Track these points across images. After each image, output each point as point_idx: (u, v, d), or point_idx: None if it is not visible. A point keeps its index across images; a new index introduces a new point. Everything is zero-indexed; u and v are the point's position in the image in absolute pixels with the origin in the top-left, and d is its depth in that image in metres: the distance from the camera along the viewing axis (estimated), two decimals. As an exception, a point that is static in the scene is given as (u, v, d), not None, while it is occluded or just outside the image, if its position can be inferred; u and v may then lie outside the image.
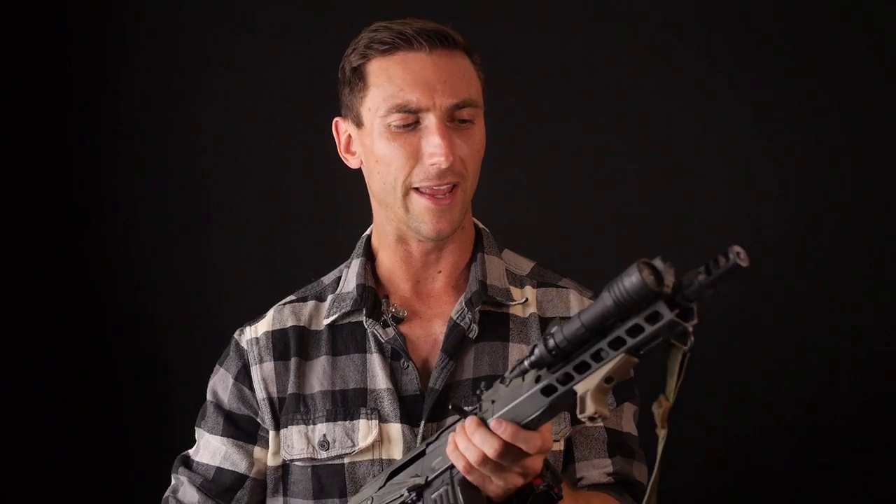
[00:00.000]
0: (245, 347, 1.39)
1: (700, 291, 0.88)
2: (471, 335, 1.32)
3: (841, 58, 2.31)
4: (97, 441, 2.43)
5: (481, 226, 1.43)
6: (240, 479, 1.37)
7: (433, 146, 1.26)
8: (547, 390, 1.01)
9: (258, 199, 2.45)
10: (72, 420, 2.42)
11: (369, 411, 1.31)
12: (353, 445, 1.31)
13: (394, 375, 1.32)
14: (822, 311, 2.34)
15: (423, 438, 1.24)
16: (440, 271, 1.37)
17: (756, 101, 2.35)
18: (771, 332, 2.35)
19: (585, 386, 0.97)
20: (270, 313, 1.41)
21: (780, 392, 2.34)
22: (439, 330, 1.34)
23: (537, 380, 1.01)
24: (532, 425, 1.04)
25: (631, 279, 0.88)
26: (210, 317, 2.36)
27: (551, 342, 0.97)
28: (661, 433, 0.98)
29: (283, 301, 1.42)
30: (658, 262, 0.90)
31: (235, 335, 1.41)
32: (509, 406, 1.04)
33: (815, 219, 2.34)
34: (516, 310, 1.36)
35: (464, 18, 1.36)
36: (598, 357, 0.96)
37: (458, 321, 1.33)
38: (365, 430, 1.31)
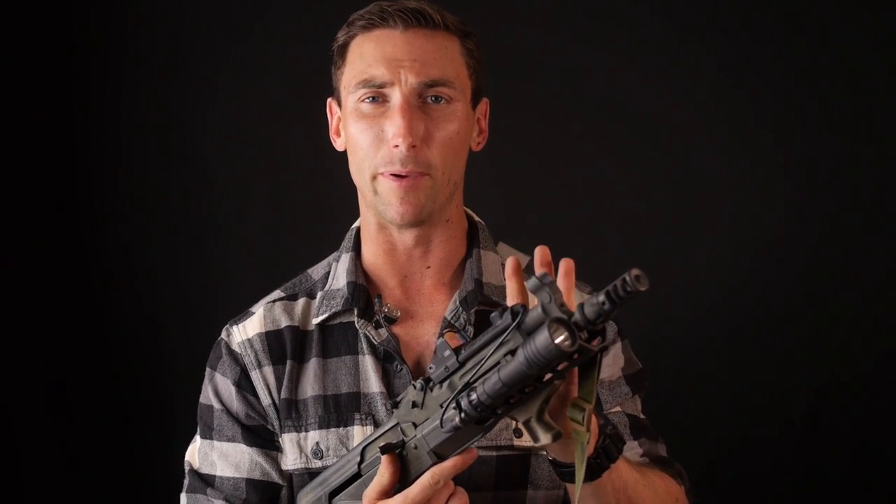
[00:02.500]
0: (238, 351, 1.31)
1: (606, 317, 0.90)
2: (466, 336, 1.27)
3: (850, 55, 2.28)
4: (98, 441, 2.42)
5: (476, 218, 1.37)
6: (275, 488, 1.29)
7: (395, 126, 1.22)
8: (483, 420, 1.01)
9: (258, 199, 2.43)
10: (73, 421, 2.41)
11: (363, 416, 1.26)
12: None
13: (386, 378, 1.27)
14: (828, 314, 2.30)
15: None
16: (429, 267, 1.31)
17: (763, 101, 2.32)
18: (775, 336, 2.32)
19: (525, 414, 0.98)
20: (260, 311, 1.33)
21: (785, 396, 2.32)
22: (432, 331, 1.29)
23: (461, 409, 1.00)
24: (466, 448, 1.05)
25: (544, 342, 0.89)
26: (210, 315, 2.33)
27: (475, 399, 0.96)
28: (585, 437, 0.98)
29: (272, 298, 1.35)
30: (568, 319, 0.90)
31: (223, 336, 1.34)
32: (444, 439, 1.04)
33: (822, 221, 2.31)
34: None
35: (463, 18, 1.32)
36: (526, 392, 0.97)
37: (452, 322, 1.27)
38: (360, 438, 1.24)
